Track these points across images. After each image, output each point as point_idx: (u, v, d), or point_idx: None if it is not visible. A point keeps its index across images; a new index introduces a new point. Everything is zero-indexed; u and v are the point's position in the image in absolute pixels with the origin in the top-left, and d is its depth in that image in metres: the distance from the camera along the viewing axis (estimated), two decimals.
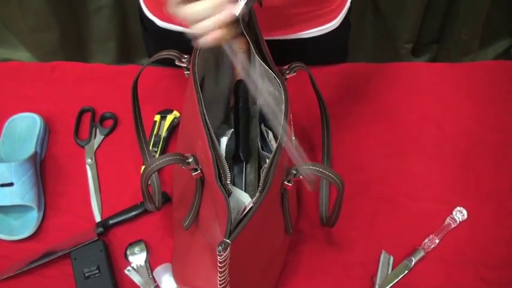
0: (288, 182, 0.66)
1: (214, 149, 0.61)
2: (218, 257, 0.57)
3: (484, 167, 0.93)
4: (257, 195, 0.61)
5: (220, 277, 0.60)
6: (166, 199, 0.86)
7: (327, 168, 0.65)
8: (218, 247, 0.56)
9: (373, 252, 0.84)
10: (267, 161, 0.64)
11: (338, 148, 0.91)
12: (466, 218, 0.87)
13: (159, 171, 0.76)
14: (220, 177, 0.61)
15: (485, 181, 0.92)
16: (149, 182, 0.67)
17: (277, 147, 0.63)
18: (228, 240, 0.57)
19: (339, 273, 0.83)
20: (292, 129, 0.85)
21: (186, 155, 0.64)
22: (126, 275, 0.81)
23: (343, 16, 0.97)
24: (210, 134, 0.62)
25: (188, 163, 0.63)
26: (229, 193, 0.61)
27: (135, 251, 0.83)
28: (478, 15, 1.65)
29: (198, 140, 0.61)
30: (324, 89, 0.82)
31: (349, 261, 0.84)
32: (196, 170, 0.64)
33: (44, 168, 0.92)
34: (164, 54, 0.73)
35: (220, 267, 0.58)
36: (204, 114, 0.63)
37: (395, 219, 0.88)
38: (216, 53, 0.71)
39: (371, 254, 0.84)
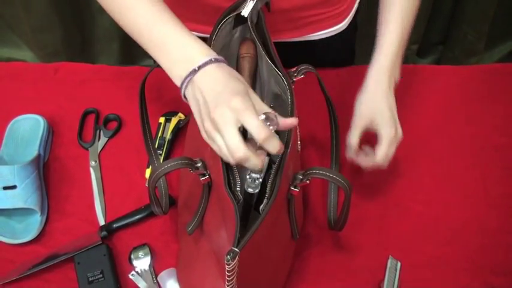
0: (295, 187, 0.65)
1: None
2: (226, 266, 0.56)
3: (493, 171, 0.92)
4: (265, 202, 0.60)
5: (228, 286, 0.59)
6: (171, 202, 0.85)
7: (335, 172, 0.64)
8: (227, 256, 0.55)
9: (380, 257, 0.83)
10: (273, 166, 0.63)
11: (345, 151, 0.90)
12: (474, 223, 0.86)
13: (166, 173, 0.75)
14: (230, 184, 0.60)
15: (493, 185, 0.90)
16: (156, 185, 0.66)
17: (283, 153, 0.62)
18: (236, 249, 0.56)
19: (346, 279, 0.82)
20: (298, 133, 0.84)
21: (194, 159, 0.63)
22: (130, 280, 0.80)
23: (351, 18, 0.96)
24: None
25: (197, 168, 0.62)
26: (238, 200, 0.60)
27: (139, 255, 0.82)
28: (484, 16, 1.64)
29: (207, 144, 0.60)
30: (331, 91, 0.81)
31: (356, 267, 0.83)
32: (204, 175, 0.63)
33: (47, 171, 0.91)
34: None
35: (228, 276, 0.57)
36: None
37: (403, 224, 0.87)
38: (225, 55, 0.70)
39: (378, 259, 0.83)
